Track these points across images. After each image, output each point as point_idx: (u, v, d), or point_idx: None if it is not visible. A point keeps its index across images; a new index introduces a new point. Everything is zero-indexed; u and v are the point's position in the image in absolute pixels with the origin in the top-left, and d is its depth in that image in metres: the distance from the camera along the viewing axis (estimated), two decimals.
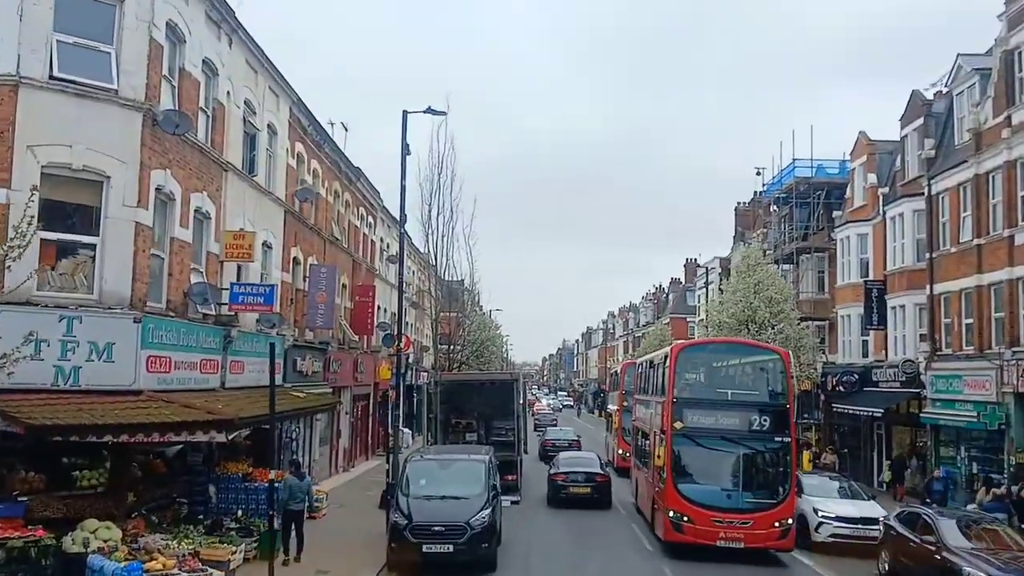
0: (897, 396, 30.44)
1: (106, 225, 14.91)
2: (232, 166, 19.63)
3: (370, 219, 37.74)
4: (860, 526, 20.07)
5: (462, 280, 45.73)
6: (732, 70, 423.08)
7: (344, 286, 31.90)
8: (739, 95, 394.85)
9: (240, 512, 17.56)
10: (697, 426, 19.44)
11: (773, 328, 35.02)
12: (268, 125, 22.54)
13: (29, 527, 13.07)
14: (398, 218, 26.67)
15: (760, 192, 50.64)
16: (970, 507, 22.30)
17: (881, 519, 19.16)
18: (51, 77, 14.45)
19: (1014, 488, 22.08)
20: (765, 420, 19.36)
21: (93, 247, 14.85)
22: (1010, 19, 24.56)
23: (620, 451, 35.55)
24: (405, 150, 23.87)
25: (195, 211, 17.74)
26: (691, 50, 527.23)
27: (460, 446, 26.26)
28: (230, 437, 14.84)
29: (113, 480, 15.16)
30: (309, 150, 26.69)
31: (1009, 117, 24.49)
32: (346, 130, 33.07)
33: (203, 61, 18.14)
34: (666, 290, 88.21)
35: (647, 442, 23.69)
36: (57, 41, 14.57)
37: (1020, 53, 24.28)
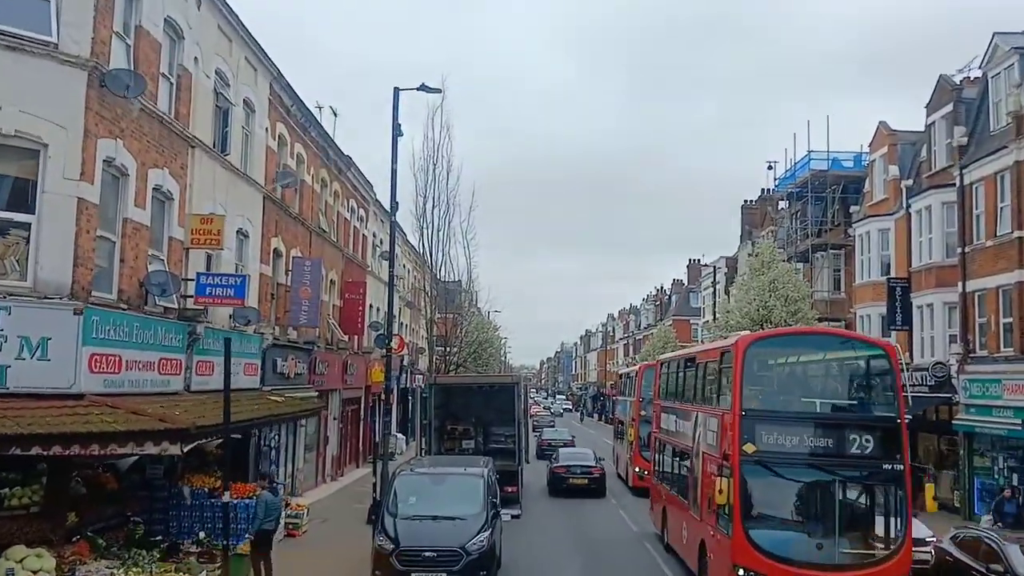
0: (925, 401, 28.26)
1: (43, 201, 12.77)
2: (200, 142, 17.48)
3: (362, 212, 35.59)
4: None
5: (459, 280, 43.75)
6: (736, 80, 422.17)
7: (332, 282, 29.79)
8: (747, 104, 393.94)
9: (203, 534, 15.32)
10: (775, 449, 14.19)
11: None
12: (244, 101, 20.41)
13: None
14: (388, 206, 24.52)
15: (770, 189, 48.65)
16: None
17: (931, 541, 16.96)
18: None
19: None
20: (868, 440, 14.22)
21: (27, 227, 12.71)
22: None
23: (636, 468, 30.72)
24: (396, 131, 21.81)
25: (154, 189, 15.58)
26: (699, 58, 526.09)
27: (455, 457, 24.17)
28: (186, 449, 12.67)
29: (50, 498, 12.97)
30: (292, 132, 24.53)
31: None
32: (335, 115, 30.99)
33: (165, 20, 15.97)
34: (668, 292, 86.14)
35: (683, 463, 18.82)
36: None
37: None
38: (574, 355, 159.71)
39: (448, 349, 41.05)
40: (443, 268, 39.09)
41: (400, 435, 43.02)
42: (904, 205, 31.44)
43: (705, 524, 15.97)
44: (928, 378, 28.01)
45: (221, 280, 17.02)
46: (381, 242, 38.37)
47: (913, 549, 15.23)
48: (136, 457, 15.28)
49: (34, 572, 11.61)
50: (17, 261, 12.69)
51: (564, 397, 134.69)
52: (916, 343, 29.88)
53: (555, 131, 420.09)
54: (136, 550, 13.87)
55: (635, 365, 42.23)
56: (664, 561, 19.38)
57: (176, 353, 16.08)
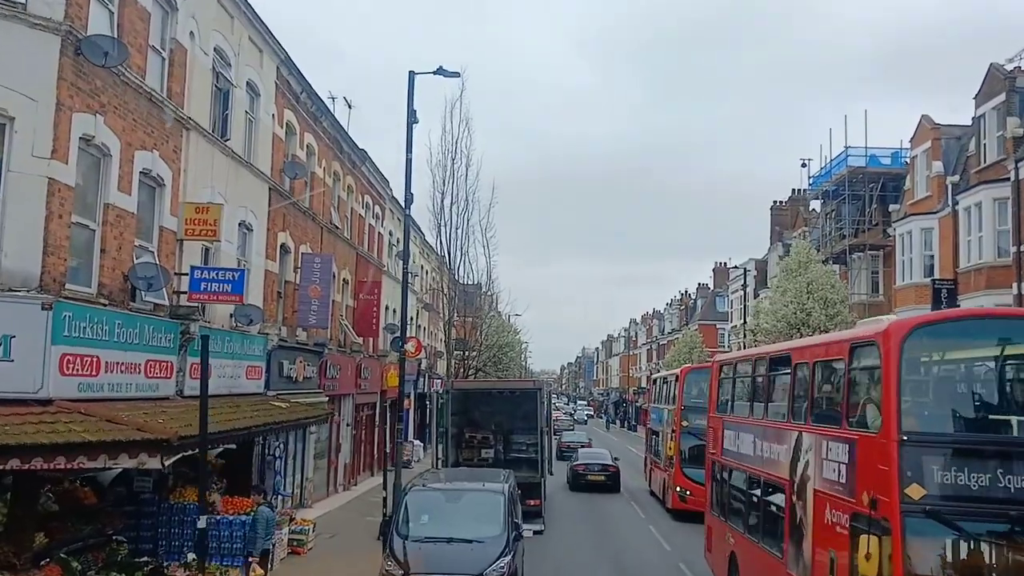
0: None
1: (7, 180, 11.34)
2: (196, 124, 16.01)
3: (377, 209, 34.12)
4: None
5: (478, 283, 42.20)
6: (760, 82, 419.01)
7: (346, 281, 28.32)
8: (772, 107, 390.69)
9: (191, 556, 13.77)
10: (956, 494, 9.20)
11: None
12: (248, 83, 18.95)
13: None
14: (403, 201, 22.98)
15: (803, 189, 46.72)
16: None
17: None
18: None
19: None
20: None
21: None
22: None
23: (678, 488, 26.81)
24: (412, 117, 20.32)
25: (141, 173, 14.10)
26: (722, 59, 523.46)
27: (472, 470, 22.38)
28: (168, 462, 11.19)
29: (14, 517, 11.52)
30: (302, 120, 23.06)
31: None
32: (349, 107, 29.44)
33: None
34: (693, 296, 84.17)
35: (768, 500, 13.62)
36: None
37: None
38: (596, 360, 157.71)
39: (467, 353, 39.48)
40: (461, 267, 37.50)
41: (417, 442, 41.66)
42: (949, 202, 29.66)
43: None
44: None
45: (217, 274, 15.50)
46: (398, 241, 36.81)
47: None
48: (119, 470, 13.80)
49: None
50: None
51: (585, 403, 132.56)
52: None
53: (575, 133, 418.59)
54: (115, 574, 12.39)
55: (673, 369, 38.72)
56: None
57: (167, 354, 14.59)
